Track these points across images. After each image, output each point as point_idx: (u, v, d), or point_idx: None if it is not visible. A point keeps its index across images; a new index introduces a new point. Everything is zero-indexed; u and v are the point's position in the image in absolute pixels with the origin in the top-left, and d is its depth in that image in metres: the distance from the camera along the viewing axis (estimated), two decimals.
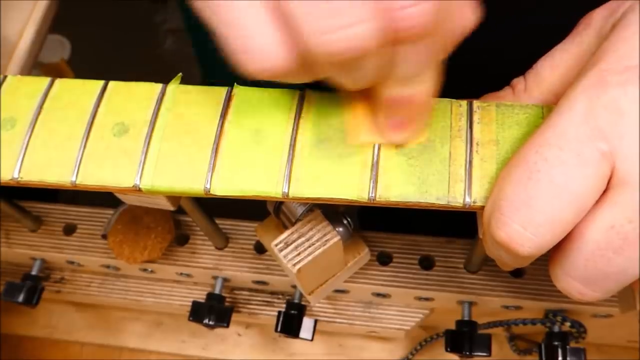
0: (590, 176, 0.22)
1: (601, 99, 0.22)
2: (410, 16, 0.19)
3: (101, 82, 0.30)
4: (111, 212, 0.46)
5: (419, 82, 0.24)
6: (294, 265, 0.33)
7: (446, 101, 0.28)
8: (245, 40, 0.20)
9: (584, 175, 0.22)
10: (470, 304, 0.42)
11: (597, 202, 0.22)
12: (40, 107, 0.29)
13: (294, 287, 0.45)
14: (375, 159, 0.27)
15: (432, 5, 0.19)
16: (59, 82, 0.30)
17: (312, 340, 0.43)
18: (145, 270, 0.47)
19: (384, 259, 0.44)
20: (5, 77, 0.30)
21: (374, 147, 0.27)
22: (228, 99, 0.29)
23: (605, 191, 0.22)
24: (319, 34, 0.19)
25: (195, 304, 0.44)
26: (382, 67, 0.22)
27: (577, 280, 0.23)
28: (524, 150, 0.23)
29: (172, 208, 0.32)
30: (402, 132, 0.26)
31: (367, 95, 0.27)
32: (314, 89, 0.29)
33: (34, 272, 0.47)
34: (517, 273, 0.42)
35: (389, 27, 0.20)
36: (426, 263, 0.43)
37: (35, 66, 0.47)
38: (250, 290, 0.48)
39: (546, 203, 0.22)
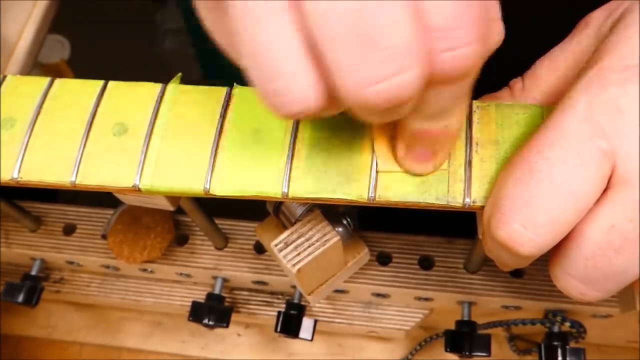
0: (591, 175, 0.22)
1: (601, 97, 0.22)
2: (453, 61, 0.19)
3: (101, 82, 0.30)
4: (111, 212, 0.46)
5: (448, 117, 0.23)
6: (294, 265, 0.33)
7: None
8: (277, 84, 0.19)
9: (584, 175, 0.22)
10: (470, 304, 0.42)
11: (598, 201, 0.22)
12: (40, 107, 0.29)
13: (294, 287, 0.45)
14: (375, 159, 0.27)
15: (474, 50, 0.19)
16: (58, 82, 0.30)
17: (311, 340, 0.43)
18: (144, 270, 0.47)
19: (383, 259, 0.44)
20: (5, 77, 0.30)
21: (373, 147, 0.27)
22: (228, 99, 0.29)
23: (605, 190, 0.22)
24: (362, 86, 0.18)
25: (194, 304, 0.44)
26: (413, 106, 0.21)
27: (577, 279, 0.23)
28: (524, 149, 0.23)
29: (171, 208, 0.32)
30: (426, 164, 0.26)
31: (389, 125, 0.26)
32: None
33: (33, 272, 0.47)
34: (517, 273, 0.42)
35: (430, 71, 0.19)
36: (426, 263, 0.43)
37: (35, 66, 0.47)
38: (249, 290, 0.48)
39: (547, 203, 0.22)
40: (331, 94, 0.20)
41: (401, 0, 0.17)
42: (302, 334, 0.42)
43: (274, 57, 0.19)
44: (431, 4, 0.18)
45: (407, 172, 0.26)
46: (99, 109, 0.29)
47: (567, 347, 0.40)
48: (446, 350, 0.41)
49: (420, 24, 0.18)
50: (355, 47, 0.18)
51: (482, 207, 0.26)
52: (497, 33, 0.22)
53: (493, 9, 0.22)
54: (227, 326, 0.43)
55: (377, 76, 0.18)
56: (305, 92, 0.19)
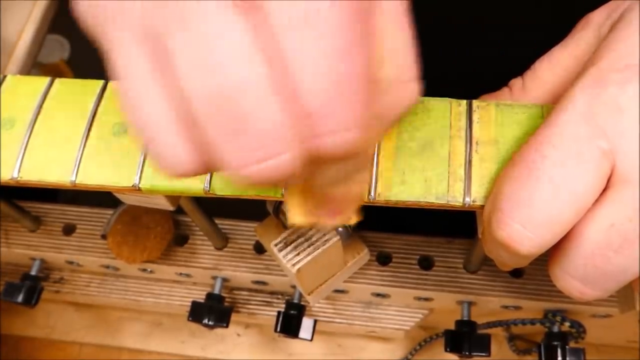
0: (590, 175, 0.22)
1: (601, 97, 0.22)
2: (333, 144, 0.18)
3: (101, 82, 0.30)
4: (110, 212, 0.46)
5: (348, 185, 0.22)
6: (294, 265, 0.33)
7: (446, 101, 0.28)
8: (154, 149, 0.19)
9: (584, 174, 0.22)
10: (470, 304, 0.42)
11: (597, 200, 0.22)
12: (40, 106, 0.29)
13: (294, 287, 0.45)
14: (374, 158, 0.27)
15: (353, 135, 0.18)
16: (58, 81, 0.30)
17: (311, 340, 0.43)
18: (144, 270, 0.47)
19: (383, 259, 0.44)
20: (4, 76, 0.30)
21: (373, 148, 0.27)
22: None
23: (605, 189, 0.22)
24: (238, 167, 0.18)
25: (194, 304, 0.44)
26: (303, 176, 0.20)
27: (576, 279, 0.23)
28: (524, 149, 0.23)
29: (171, 208, 0.32)
30: (333, 219, 0.24)
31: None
32: None
33: (33, 272, 0.47)
34: (517, 273, 0.42)
35: (310, 153, 0.18)
36: (425, 263, 0.43)
37: (35, 66, 0.47)
38: (249, 290, 0.48)
39: (546, 202, 0.22)
40: (211, 163, 0.19)
41: (273, 84, 0.17)
42: (301, 334, 0.42)
43: (150, 123, 0.19)
44: (306, 88, 0.17)
45: (321, 225, 0.25)
46: (99, 109, 0.29)
47: (567, 347, 0.40)
48: (446, 350, 0.41)
49: (294, 107, 0.17)
50: (227, 128, 0.17)
51: (482, 207, 0.26)
52: (408, 95, 0.21)
53: (406, 71, 0.20)
54: (226, 326, 0.43)
55: (250, 159, 0.18)
56: (180, 160, 0.19)
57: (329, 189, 0.22)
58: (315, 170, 0.20)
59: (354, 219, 0.25)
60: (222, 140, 0.18)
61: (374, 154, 0.22)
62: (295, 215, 0.25)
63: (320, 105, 0.17)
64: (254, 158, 0.18)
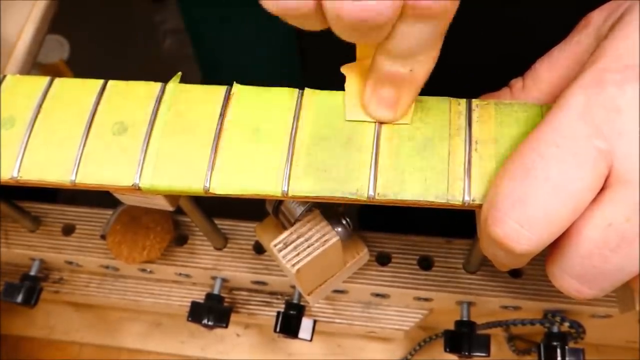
0: (587, 174, 0.22)
1: (599, 97, 0.22)
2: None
3: (100, 82, 0.30)
4: (110, 212, 0.46)
5: (412, 63, 0.24)
6: (293, 265, 0.33)
7: (445, 99, 0.28)
8: None
9: (580, 173, 0.22)
10: (469, 304, 0.42)
11: (595, 200, 0.22)
12: (40, 106, 0.29)
13: (293, 287, 0.45)
14: (374, 157, 0.27)
15: None
16: (58, 81, 0.30)
17: (311, 340, 0.43)
18: (144, 270, 0.47)
19: (383, 259, 0.44)
20: (4, 76, 0.30)
21: (373, 147, 0.27)
22: (227, 98, 0.29)
23: (602, 189, 0.22)
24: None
25: (194, 305, 0.44)
26: (384, 35, 0.23)
27: (573, 277, 0.23)
28: (521, 147, 0.23)
29: (170, 208, 0.32)
30: (386, 109, 0.27)
31: (361, 75, 0.28)
32: (313, 88, 0.29)
33: (32, 273, 0.47)
34: (516, 273, 0.42)
35: (407, 3, 0.20)
36: (425, 263, 0.43)
37: (34, 66, 0.47)
38: (249, 290, 0.48)
39: (542, 200, 0.22)
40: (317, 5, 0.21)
41: None
42: (301, 334, 0.42)
43: None
44: None
45: (371, 117, 0.27)
46: (99, 108, 0.29)
47: (566, 347, 0.40)
48: (445, 351, 0.41)
49: None
50: None
51: (482, 205, 0.26)
52: None
53: None
54: (226, 326, 0.43)
55: None
56: None
57: (395, 65, 0.24)
58: (394, 33, 0.22)
59: (406, 119, 0.27)
60: None
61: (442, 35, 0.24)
62: (351, 111, 0.27)
63: None
64: None
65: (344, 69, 0.28)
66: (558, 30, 0.29)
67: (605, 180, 0.22)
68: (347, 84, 0.28)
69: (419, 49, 0.23)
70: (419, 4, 0.21)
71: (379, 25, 0.21)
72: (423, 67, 0.25)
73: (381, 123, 0.28)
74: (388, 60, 0.25)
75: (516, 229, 0.22)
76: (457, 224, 0.40)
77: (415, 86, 0.26)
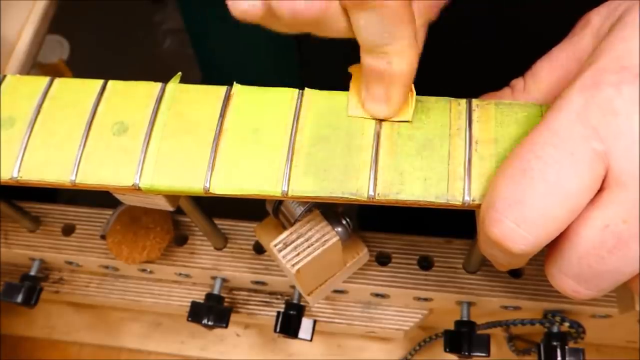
0: (584, 175, 0.22)
1: (596, 98, 0.22)
2: None
3: (100, 82, 0.30)
4: (110, 212, 0.46)
5: (385, 56, 0.25)
6: (293, 265, 0.33)
7: (445, 100, 0.28)
8: None
9: (577, 174, 0.22)
10: (469, 304, 0.42)
11: (592, 201, 0.22)
12: (40, 106, 0.29)
13: (293, 287, 0.45)
14: (374, 158, 0.27)
15: None
16: (58, 81, 0.30)
17: (311, 340, 0.43)
18: (144, 270, 0.47)
19: (382, 259, 0.44)
20: (4, 76, 0.30)
21: (373, 147, 0.27)
22: (227, 98, 0.29)
23: (600, 191, 0.22)
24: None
25: (194, 305, 0.44)
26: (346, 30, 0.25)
27: (571, 278, 0.24)
28: (518, 148, 0.23)
29: (170, 208, 0.32)
30: (378, 105, 0.27)
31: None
32: (313, 88, 0.29)
33: (32, 273, 0.47)
34: (516, 273, 0.42)
35: None
36: (425, 263, 0.43)
37: (34, 66, 0.47)
38: (249, 290, 0.48)
39: (539, 201, 0.22)
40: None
41: None
42: (301, 334, 0.42)
43: None
44: None
45: (369, 114, 0.28)
46: (99, 108, 0.29)
47: (566, 347, 0.40)
48: (445, 351, 0.41)
49: None
50: None
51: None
52: None
53: None
54: (226, 326, 0.43)
55: None
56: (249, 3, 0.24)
57: (371, 61, 0.25)
58: (354, 26, 0.24)
59: (407, 116, 0.27)
60: None
61: (409, 21, 0.25)
62: (353, 107, 0.28)
63: None
64: None
65: (351, 69, 0.29)
66: (558, 30, 0.29)
67: (603, 182, 0.22)
68: (352, 82, 0.29)
69: (381, 39, 0.24)
70: None
71: (315, 20, 0.24)
72: (401, 60, 0.25)
73: (381, 121, 0.28)
74: (364, 55, 0.26)
75: (513, 229, 0.22)
76: (457, 224, 0.40)
77: (399, 80, 0.26)
